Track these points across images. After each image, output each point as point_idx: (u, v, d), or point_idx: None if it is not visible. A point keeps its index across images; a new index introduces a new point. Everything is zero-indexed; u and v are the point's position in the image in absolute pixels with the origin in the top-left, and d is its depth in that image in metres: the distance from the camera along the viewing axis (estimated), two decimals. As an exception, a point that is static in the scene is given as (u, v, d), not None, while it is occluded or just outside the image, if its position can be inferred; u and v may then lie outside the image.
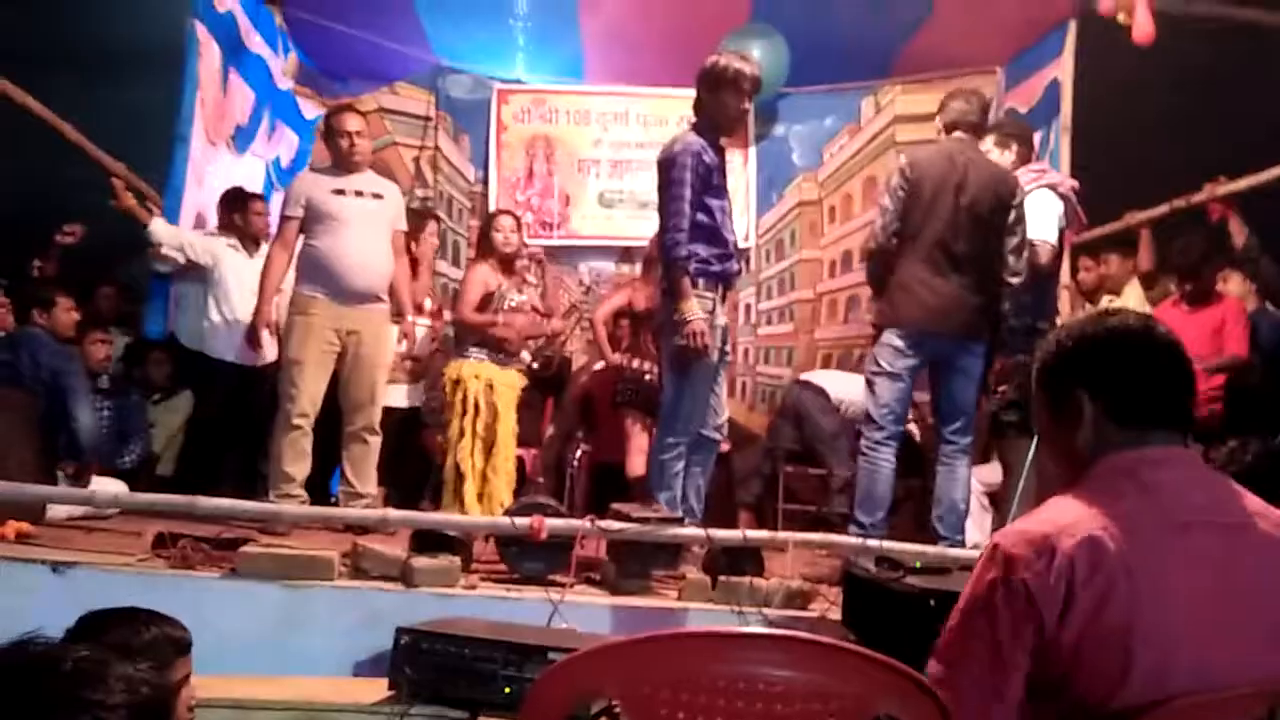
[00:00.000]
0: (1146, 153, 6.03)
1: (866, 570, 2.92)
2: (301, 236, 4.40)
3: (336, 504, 4.53)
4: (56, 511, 3.75)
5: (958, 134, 4.04)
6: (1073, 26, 5.44)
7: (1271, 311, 5.21)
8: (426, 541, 3.44)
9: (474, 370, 4.68)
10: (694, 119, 4.03)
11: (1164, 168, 5.71)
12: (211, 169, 5.46)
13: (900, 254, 3.94)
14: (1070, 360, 1.52)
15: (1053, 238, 4.23)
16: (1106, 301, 5.23)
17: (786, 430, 5.42)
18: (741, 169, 6.51)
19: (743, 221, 6.28)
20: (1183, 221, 5.54)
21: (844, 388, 5.28)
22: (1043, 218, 4.18)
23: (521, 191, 6.63)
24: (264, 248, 4.89)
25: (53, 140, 5.07)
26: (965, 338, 3.96)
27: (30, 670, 1.06)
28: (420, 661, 2.43)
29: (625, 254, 6.58)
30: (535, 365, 5.19)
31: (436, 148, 6.65)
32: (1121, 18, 5.03)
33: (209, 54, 5.30)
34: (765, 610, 3.25)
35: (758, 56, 4.62)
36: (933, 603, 2.39)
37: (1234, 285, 5.13)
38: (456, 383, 4.65)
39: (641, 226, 6.12)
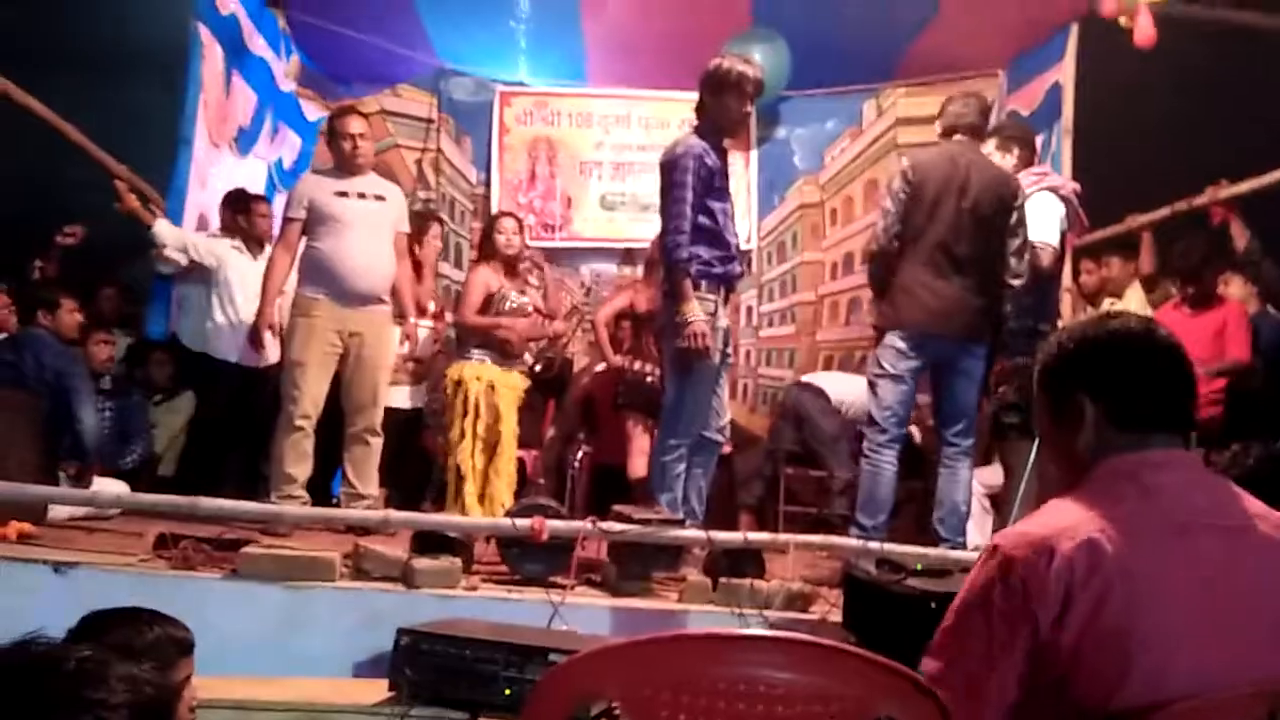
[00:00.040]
0: (1148, 156, 6.03)
1: (867, 572, 2.93)
2: (304, 238, 4.41)
3: (338, 505, 4.53)
4: (58, 512, 3.75)
5: (958, 137, 4.05)
6: (1074, 29, 5.44)
7: (1273, 315, 5.20)
8: (428, 543, 3.44)
9: (475, 372, 4.69)
10: (696, 122, 4.04)
11: (1165, 171, 5.70)
12: (214, 171, 5.47)
13: (902, 256, 3.94)
14: (1071, 363, 1.52)
15: (1054, 240, 4.23)
16: (1108, 304, 5.21)
17: (787, 432, 5.41)
18: (743, 171, 6.51)
19: (744, 224, 6.28)
20: (1184, 224, 5.53)
21: (844, 389, 5.27)
22: (1044, 220, 4.18)
23: (524, 193, 6.63)
24: (267, 249, 4.90)
25: (54, 141, 5.07)
26: (967, 340, 3.96)
27: (32, 670, 1.05)
28: (421, 663, 2.43)
29: (627, 256, 6.58)
30: (537, 367, 5.19)
31: (439, 150, 6.65)
32: (1123, 21, 5.04)
33: (212, 56, 5.31)
34: (766, 612, 3.25)
35: (760, 60, 4.63)
36: (933, 605, 2.39)
37: (1235, 288, 5.12)
38: (458, 384, 4.66)
39: (643, 228, 6.12)
